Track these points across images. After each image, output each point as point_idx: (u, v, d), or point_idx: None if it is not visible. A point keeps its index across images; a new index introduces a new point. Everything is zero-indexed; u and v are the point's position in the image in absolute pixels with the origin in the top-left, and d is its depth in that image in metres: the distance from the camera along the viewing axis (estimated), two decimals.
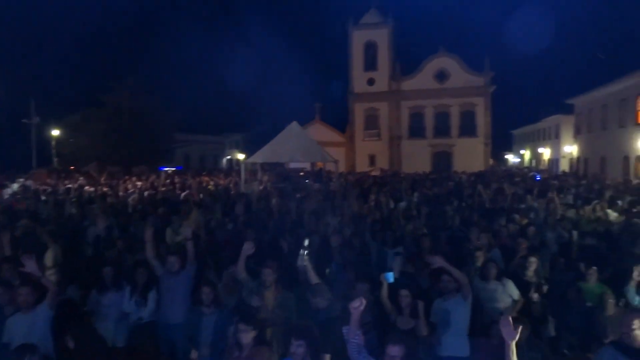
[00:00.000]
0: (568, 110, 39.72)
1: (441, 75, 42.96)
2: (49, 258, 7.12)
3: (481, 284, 6.03)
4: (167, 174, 26.08)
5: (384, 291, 5.26)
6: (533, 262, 6.51)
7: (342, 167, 31.26)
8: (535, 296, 6.26)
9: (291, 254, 6.64)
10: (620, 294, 5.87)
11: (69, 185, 18.51)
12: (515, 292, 6.06)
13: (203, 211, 10.30)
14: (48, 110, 36.00)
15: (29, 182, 20.80)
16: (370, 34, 43.58)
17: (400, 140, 43.88)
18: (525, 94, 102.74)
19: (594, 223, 9.50)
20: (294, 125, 18.72)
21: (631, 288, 5.48)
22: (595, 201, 11.22)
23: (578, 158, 37.46)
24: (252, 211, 10.40)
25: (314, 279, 5.21)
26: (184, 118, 43.16)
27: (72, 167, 34.22)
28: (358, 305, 3.94)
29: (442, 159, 42.00)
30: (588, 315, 5.83)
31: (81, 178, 22.70)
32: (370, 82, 44.00)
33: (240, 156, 49.49)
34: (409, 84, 43.52)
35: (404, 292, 5.19)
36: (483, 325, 5.63)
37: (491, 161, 46.61)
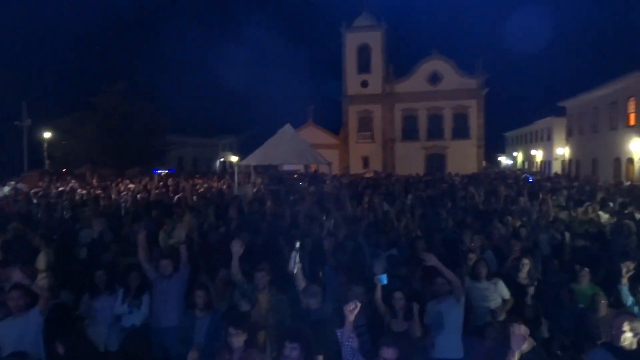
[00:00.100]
0: (560, 112, 40.04)
1: (434, 78, 43.11)
2: (41, 262, 7.06)
3: (472, 284, 6.05)
4: (160, 177, 25.97)
5: (378, 293, 5.27)
6: (526, 264, 6.54)
7: (335, 170, 31.29)
8: (528, 298, 6.28)
9: (285, 257, 6.63)
10: (612, 294, 5.91)
11: (61, 188, 18.38)
12: (505, 292, 6.10)
13: (196, 214, 10.26)
14: (40, 112, 35.78)
15: (20, 185, 20.65)
16: (364, 37, 43.68)
17: (393, 143, 43.99)
18: (518, 96, 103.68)
19: (586, 225, 9.56)
20: (288, 127, 18.70)
21: (624, 287, 5.51)
22: (587, 203, 11.30)
23: (570, 160, 37.73)
24: (245, 214, 10.37)
25: (301, 284, 5.17)
26: (177, 120, 43.25)
27: (64, 170, 33.99)
28: (353, 308, 3.94)
29: (436, 161, 42.10)
30: (580, 316, 5.87)
31: (73, 181, 22.53)
32: (364, 84, 44.09)
33: (234, 158, 49.43)
34: (402, 87, 43.64)
35: (398, 295, 5.20)
36: (476, 327, 5.66)
37: (484, 163, 46.82)
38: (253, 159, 18.76)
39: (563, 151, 39.67)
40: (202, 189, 18.05)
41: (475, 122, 42.55)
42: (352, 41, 43.80)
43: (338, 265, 6.59)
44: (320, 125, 46.21)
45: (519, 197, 12.26)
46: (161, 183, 20.33)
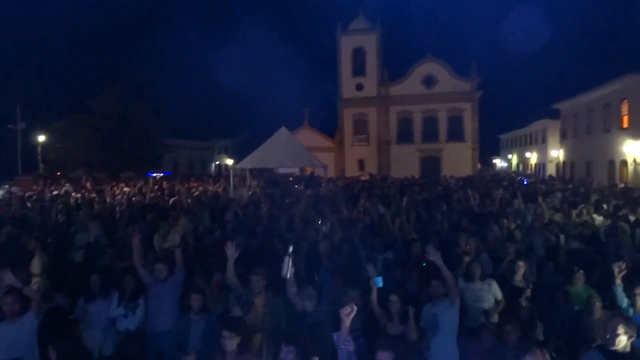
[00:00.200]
0: (554, 115, 40.22)
1: (429, 81, 43.24)
2: (35, 265, 7.03)
3: (465, 284, 6.07)
4: (156, 180, 25.91)
5: (374, 296, 5.27)
6: (521, 267, 6.56)
7: (331, 172, 31.29)
8: (523, 301, 6.30)
9: (280, 260, 6.62)
10: (607, 297, 5.93)
11: (55, 192, 18.31)
12: (498, 293, 6.13)
13: (191, 217, 10.24)
14: (34, 115, 35.69)
15: (14, 189, 20.56)
16: (359, 40, 43.78)
17: (389, 145, 44.06)
18: (512, 99, 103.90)
19: (580, 227, 9.60)
20: (283, 130, 18.72)
21: (618, 289, 5.52)
22: (582, 205, 11.34)
23: (564, 162, 37.90)
24: (241, 217, 10.35)
25: (292, 290, 5.16)
26: (172, 123, 42.97)
27: (58, 173, 33.86)
28: (349, 311, 3.94)
29: (431, 164, 42.22)
30: (575, 318, 5.88)
31: (67, 184, 22.45)
32: (359, 87, 44.17)
33: (229, 162, 49.37)
34: (397, 89, 43.74)
35: (394, 298, 5.20)
36: (470, 328, 5.67)
37: (479, 166, 46.97)
38: (248, 162, 18.75)
39: (557, 153, 39.86)
40: (197, 192, 18.02)
41: (470, 124, 42.69)
42: (347, 44, 43.90)
43: (334, 268, 6.58)
44: (315, 128, 46.28)
45: (513, 200, 12.30)
46: (156, 186, 20.29)
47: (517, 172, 45.19)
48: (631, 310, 5.40)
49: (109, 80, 39.59)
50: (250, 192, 18.44)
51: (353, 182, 24.69)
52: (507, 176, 32.92)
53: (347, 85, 44.29)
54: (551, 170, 41.31)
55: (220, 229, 9.33)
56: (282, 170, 28.58)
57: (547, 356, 3.47)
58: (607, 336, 3.89)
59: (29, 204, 13.73)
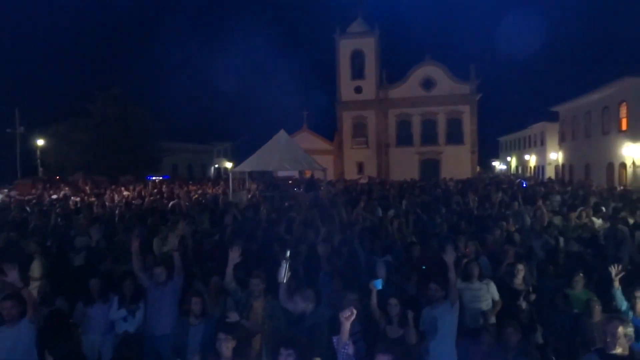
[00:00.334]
0: (553, 117, 40.27)
1: (428, 84, 43.32)
2: (35, 269, 7.02)
3: (464, 285, 6.06)
4: (155, 184, 25.91)
5: (374, 298, 5.26)
6: (521, 270, 6.55)
7: (330, 175, 31.30)
8: (523, 304, 6.29)
9: (279, 264, 6.62)
10: (607, 299, 5.92)
11: (54, 196, 18.30)
12: (496, 294, 6.15)
13: (190, 221, 10.24)
14: (33, 119, 35.67)
15: (13, 193, 20.55)
16: (357, 43, 43.86)
17: (388, 148, 44.10)
18: (511, 101, 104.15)
19: (579, 230, 9.60)
20: (282, 133, 18.74)
21: (617, 292, 5.52)
22: (581, 208, 11.34)
23: (563, 165, 37.93)
24: (240, 220, 10.35)
25: (283, 295, 5.12)
26: (172, 126, 43.06)
27: (57, 177, 33.83)
28: (349, 315, 3.93)
29: (430, 167, 42.27)
30: (575, 321, 5.87)
31: (66, 188, 22.44)
32: (358, 90, 44.23)
33: (228, 165, 49.36)
34: (396, 92, 43.82)
35: (393, 301, 5.20)
36: (469, 329, 5.67)
37: (478, 168, 47.00)
38: (248, 165, 18.77)
39: (556, 156, 39.90)
40: (196, 196, 18.02)
41: (468, 127, 42.76)
42: (345, 47, 43.98)
43: (333, 271, 6.58)
44: (314, 131, 46.30)
45: (512, 202, 12.29)
46: (156, 190, 20.29)
47: (516, 175, 45.22)
48: (631, 314, 5.40)
49: (107, 83, 39.81)
50: (249, 195, 18.45)
51: (352, 185, 24.70)
52: (506, 179, 32.93)
53: (346, 88, 44.35)
54: (550, 172, 41.34)
55: (220, 232, 9.33)
56: (281, 173, 28.63)
57: None
58: (607, 339, 3.89)
59: (27, 208, 13.71)
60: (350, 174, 40.43)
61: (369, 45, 43.69)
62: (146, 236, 8.63)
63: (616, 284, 5.51)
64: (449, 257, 5.03)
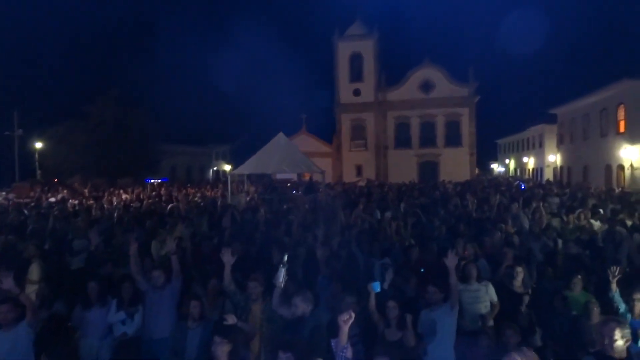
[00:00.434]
0: (551, 120, 40.35)
1: (426, 86, 43.35)
2: (33, 272, 7.00)
3: (463, 286, 6.05)
4: (153, 186, 25.90)
5: (372, 301, 5.26)
6: (520, 272, 6.54)
7: (329, 178, 31.30)
8: (523, 306, 6.29)
9: (278, 266, 6.61)
10: (605, 301, 5.92)
11: (52, 199, 18.28)
12: (494, 296, 6.13)
13: (189, 223, 10.23)
14: (31, 122, 35.65)
15: (10, 196, 20.52)
16: (356, 46, 43.89)
17: (386, 151, 44.11)
18: (509, 104, 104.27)
19: (577, 232, 9.60)
20: (281, 136, 18.74)
21: (615, 294, 5.52)
22: (579, 210, 11.35)
23: (561, 167, 37.97)
24: (238, 223, 10.34)
25: (276, 300, 5.09)
26: (170, 129, 43.07)
27: (55, 180, 33.81)
28: (347, 318, 3.93)
29: (428, 169, 42.29)
30: (573, 323, 5.87)
31: (65, 191, 22.42)
32: (356, 92, 44.24)
33: (227, 167, 49.35)
34: (394, 95, 43.85)
35: (392, 304, 5.19)
36: (467, 331, 5.66)
37: (476, 171, 47.03)
38: (246, 168, 18.75)
39: (554, 158, 39.95)
40: (194, 198, 18.01)
41: (467, 129, 42.79)
42: (344, 50, 44.00)
43: (332, 274, 6.57)
44: (313, 133, 46.30)
45: (511, 204, 12.30)
46: (154, 193, 20.28)
47: (514, 177, 45.25)
48: (629, 316, 5.40)
49: (106, 86, 39.66)
50: (248, 198, 18.44)
51: (351, 187, 24.71)
52: (504, 181, 32.96)
53: (345, 91, 44.36)
54: (548, 174, 41.41)
55: (218, 235, 9.32)
56: (279, 176, 28.59)
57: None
58: (606, 342, 3.88)
59: (25, 211, 13.69)
60: (349, 176, 40.45)
61: (367, 48, 43.73)
62: (144, 239, 8.62)
63: (613, 286, 5.51)
64: (451, 261, 5.03)
